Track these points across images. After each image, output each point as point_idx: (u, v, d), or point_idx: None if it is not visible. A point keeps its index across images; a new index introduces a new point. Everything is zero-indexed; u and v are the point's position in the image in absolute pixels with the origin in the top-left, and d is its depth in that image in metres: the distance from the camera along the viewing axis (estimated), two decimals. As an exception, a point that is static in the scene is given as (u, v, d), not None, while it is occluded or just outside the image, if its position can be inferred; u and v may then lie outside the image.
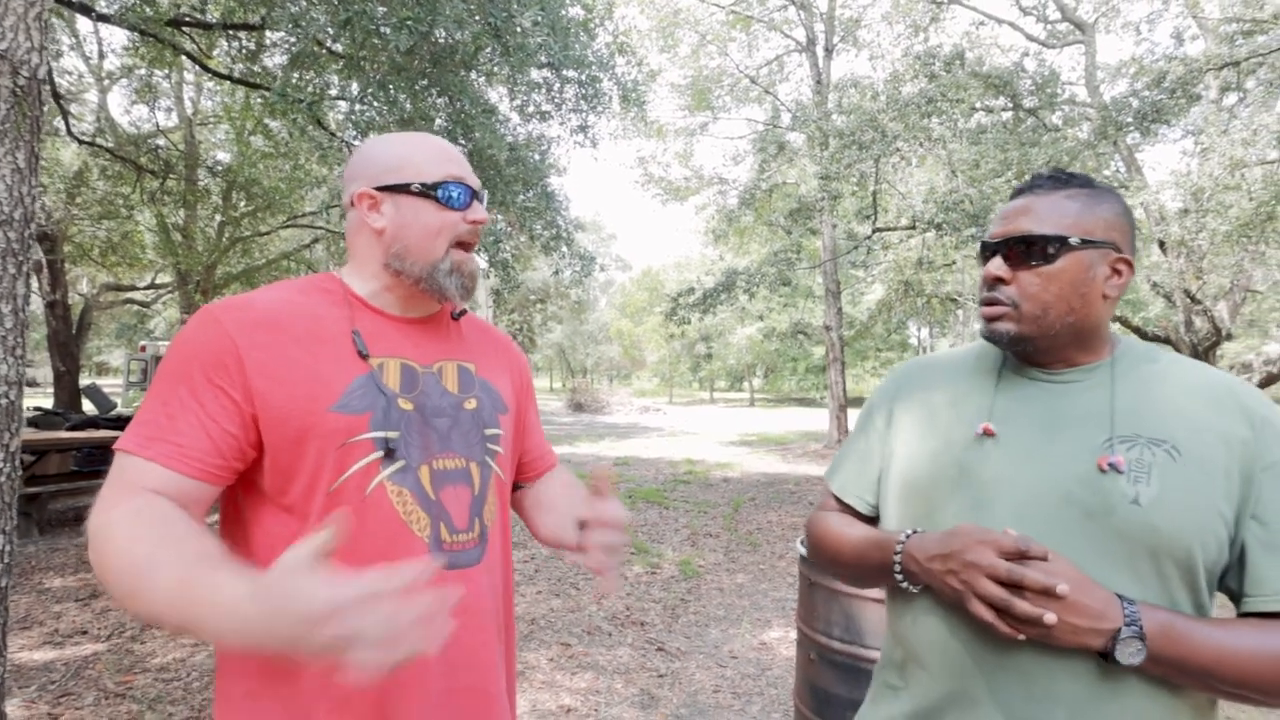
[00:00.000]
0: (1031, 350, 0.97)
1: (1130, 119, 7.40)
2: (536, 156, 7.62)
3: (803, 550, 2.48)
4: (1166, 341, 8.86)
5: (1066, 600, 0.79)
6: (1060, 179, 0.97)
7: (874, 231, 11.32)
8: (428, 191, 0.99)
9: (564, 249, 8.50)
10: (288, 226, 13.92)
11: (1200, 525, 0.83)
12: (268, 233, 14.04)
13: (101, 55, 11.41)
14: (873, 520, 1.14)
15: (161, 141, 11.49)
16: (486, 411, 1.07)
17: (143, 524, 0.79)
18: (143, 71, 9.66)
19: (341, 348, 0.96)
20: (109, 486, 0.84)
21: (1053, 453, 0.91)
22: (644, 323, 38.47)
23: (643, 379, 51.18)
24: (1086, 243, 0.92)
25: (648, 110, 8.84)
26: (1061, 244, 0.92)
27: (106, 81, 11.46)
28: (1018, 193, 1.00)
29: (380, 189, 0.99)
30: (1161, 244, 8.43)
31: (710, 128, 17.55)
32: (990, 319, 0.97)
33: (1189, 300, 8.52)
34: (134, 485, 0.83)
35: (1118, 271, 0.94)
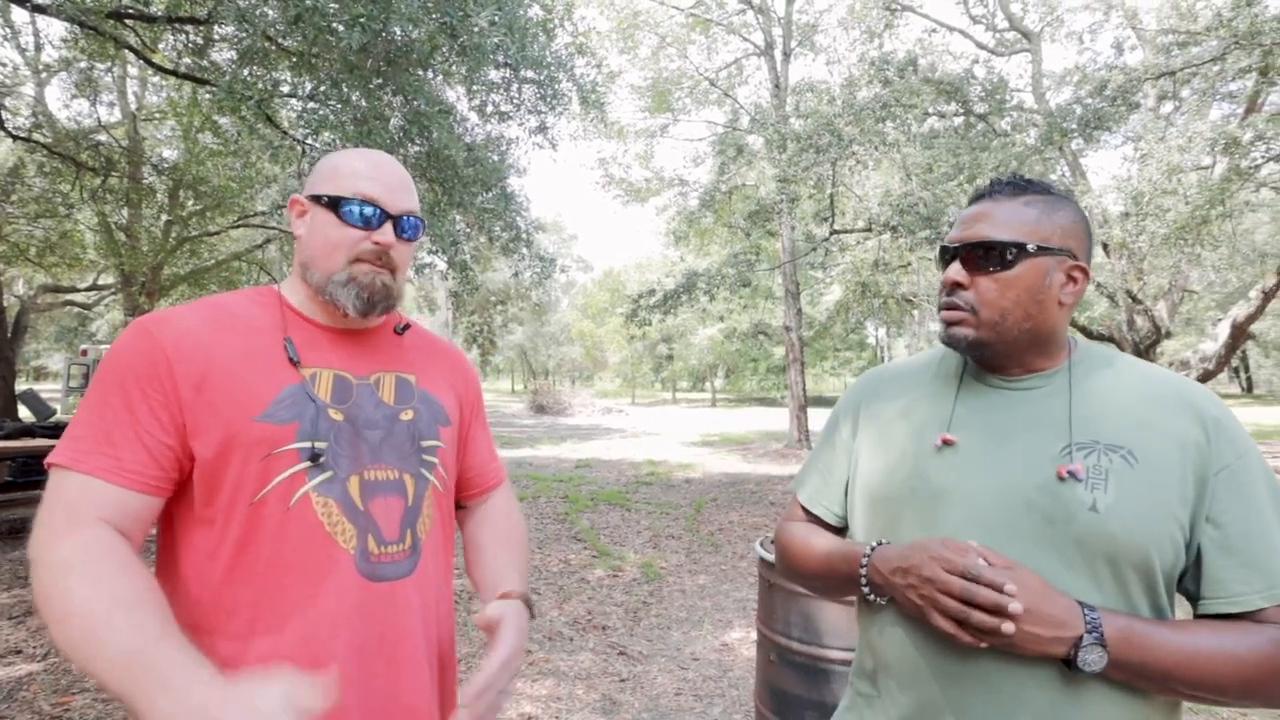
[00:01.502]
0: (989, 355, 0.98)
1: (1074, 125, 7.65)
2: (495, 157, 7.55)
3: (762, 552, 2.49)
4: (1110, 340, 9.19)
5: (1027, 610, 0.80)
6: (1019, 185, 0.98)
7: (831, 233, 11.50)
8: (334, 205, 0.99)
9: (524, 250, 8.43)
10: (238, 226, 13.55)
11: (1157, 531, 0.85)
12: (217, 233, 13.64)
13: (38, 47, 10.93)
14: (840, 530, 1.15)
15: (103, 137, 11.05)
16: (424, 423, 1.06)
17: (95, 570, 0.78)
18: (83, 65, 9.29)
19: (273, 357, 0.96)
20: (51, 507, 0.83)
21: (1012, 461, 0.92)
22: (606, 324, 38.42)
23: (605, 380, 51.11)
24: (1043, 249, 0.93)
25: (608, 111, 8.83)
26: (1019, 250, 0.93)
27: (44, 74, 10.99)
28: (976, 198, 1.01)
29: (308, 197, 1.02)
30: (1105, 246, 8.74)
31: (671, 129, 17.64)
32: (949, 323, 0.98)
33: (1131, 300, 8.85)
34: (78, 507, 0.83)
35: (1073, 279, 0.95)
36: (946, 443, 0.97)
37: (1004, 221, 0.95)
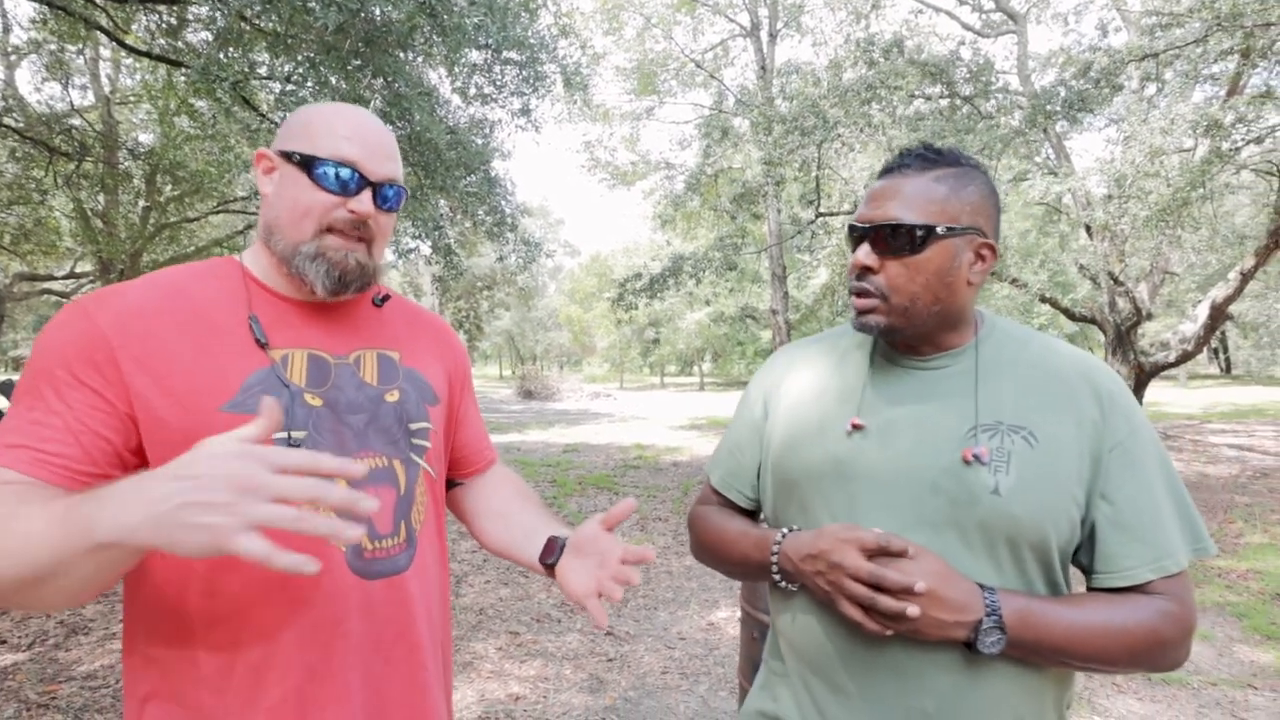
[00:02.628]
0: (900, 339, 0.98)
1: (1058, 108, 7.66)
2: (479, 140, 7.46)
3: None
4: (1092, 322, 9.27)
5: (930, 595, 0.82)
6: (928, 158, 0.95)
7: (817, 216, 11.49)
8: (306, 165, 0.88)
9: (509, 235, 8.35)
10: (219, 212, 13.35)
11: (1055, 510, 0.87)
12: (197, 219, 13.43)
13: (6, 29, 10.66)
14: (753, 513, 1.15)
15: (77, 121, 10.82)
16: (411, 403, 0.98)
17: None
18: (53, 47, 9.07)
19: (237, 337, 0.87)
20: None
21: (920, 444, 0.93)
22: (593, 308, 38.32)
23: (593, 365, 51.06)
24: (952, 230, 0.91)
25: (592, 94, 8.76)
26: (928, 233, 0.91)
27: (13, 57, 10.72)
28: (885, 171, 0.98)
29: (278, 152, 0.91)
30: (1088, 228, 8.80)
31: (656, 112, 17.54)
32: (861, 311, 0.96)
33: (1113, 282, 8.93)
34: None
35: (981, 257, 0.94)
36: (856, 427, 0.97)
37: (913, 200, 0.92)
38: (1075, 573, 0.96)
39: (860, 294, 0.96)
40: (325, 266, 0.90)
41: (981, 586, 0.85)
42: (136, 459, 0.82)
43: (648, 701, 3.11)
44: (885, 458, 0.94)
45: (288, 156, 0.89)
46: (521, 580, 4.75)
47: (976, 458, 0.89)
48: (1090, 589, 0.90)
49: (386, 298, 1.06)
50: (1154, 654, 0.84)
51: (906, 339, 0.98)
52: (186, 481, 0.61)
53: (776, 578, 0.98)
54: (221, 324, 0.87)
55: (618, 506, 0.95)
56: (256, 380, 0.85)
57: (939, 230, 0.91)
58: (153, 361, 0.81)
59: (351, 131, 0.90)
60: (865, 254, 0.94)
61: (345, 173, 0.89)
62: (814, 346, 1.14)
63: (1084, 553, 0.90)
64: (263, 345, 0.87)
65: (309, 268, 0.89)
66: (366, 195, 0.90)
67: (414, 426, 0.98)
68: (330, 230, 0.90)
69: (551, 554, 1.02)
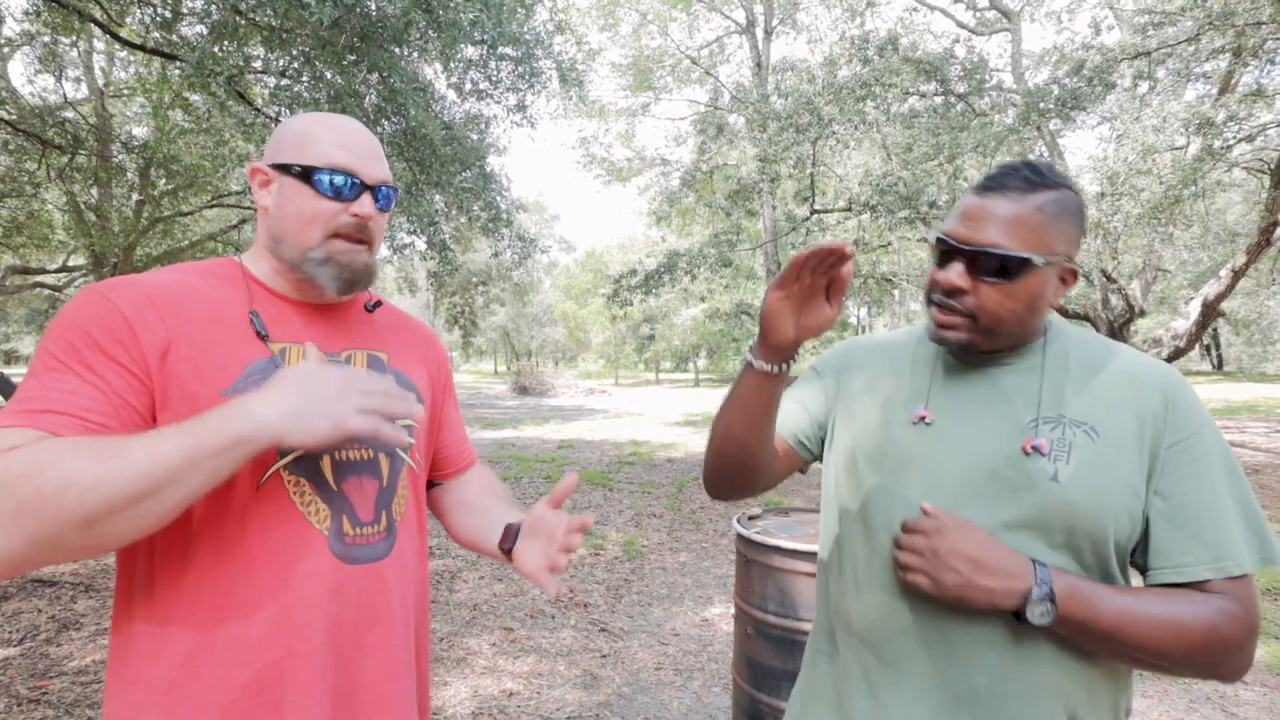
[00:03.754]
0: (974, 353, 0.98)
1: (1052, 105, 7.69)
2: (474, 136, 7.45)
3: (740, 528, 2.53)
4: (1085, 318, 9.32)
5: (979, 561, 0.83)
6: (1032, 180, 0.91)
7: (812, 213, 11.51)
8: (305, 176, 0.94)
9: (504, 231, 8.35)
10: (213, 206, 13.27)
11: (1113, 501, 0.87)
12: (191, 212, 13.34)
13: (0, 21, 10.59)
14: (804, 461, 1.16)
15: (70, 114, 10.75)
16: None
17: (44, 446, 0.70)
18: (47, 39, 9.00)
19: (239, 329, 0.92)
20: None
21: (983, 435, 0.94)
22: (588, 305, 38.27)
23: (588, 361, 51.01)
24: (1049, 262, 0.91)
25: (588, 90, 8.72)
26: (1026, 264, 0.89)
27: (6, 49, 10.64)
28: (987, 188, 0.94)
29: (273, 166, 0.96)
30: (1081, 226, 8.82)
31: (652, 108, 17.56)
32: (944, 326, 0.95)
33: (1106, 279, 8.97)
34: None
35: (1064, 280, 0.95)
36: (922, 419, 0.99)
37: (1014, 228, 0.90)
38: (1136, 578, 0.95)
39: (944, 309, 0.95)
40: (335, 269, 0.96)
41: (1033, 560, 0.85)
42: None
43: (641, 697, 3.12)
44: (947, 447, 0.96)
45: (285, 169, 0.95)
46: (515, 577, 4.76)
47: (1036, 449, 0.90)
48: (1147, 586, 0.90)
49: (378, 304, 1.12)
50: (1213, 653, 0.83)
51: (980, 352, 0.98)
52: (299, 386, 0.79)
53: (766, 367, 0.94)
54: (225, 316, 0.92)
55: (561, 483, 1.00)
56: (257, 368, 0.90)
57: (1038, 262, 0.90)
58: (165, 344, 0.85)
59: (341, 139, 0.96)
60: (959, 275, 0.93)
61: (342, 179, 0.95)
62: (882, 341, 1.15)
63: (1140, 550, 0.90)
64: (263, 337, 0.93)
65: (320, 271, 0.96)
66: (366, 198, 0.97)
67: (399, 423, 1.00)
68: (336, 235, 0.96)
69: (508, 540, 1.07)
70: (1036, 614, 0.82)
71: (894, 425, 1.01)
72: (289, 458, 0.90)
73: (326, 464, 0.93)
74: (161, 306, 0.87)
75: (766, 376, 0.94)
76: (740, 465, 1.04)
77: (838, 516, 1.07)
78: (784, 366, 0.94)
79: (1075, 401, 0.92)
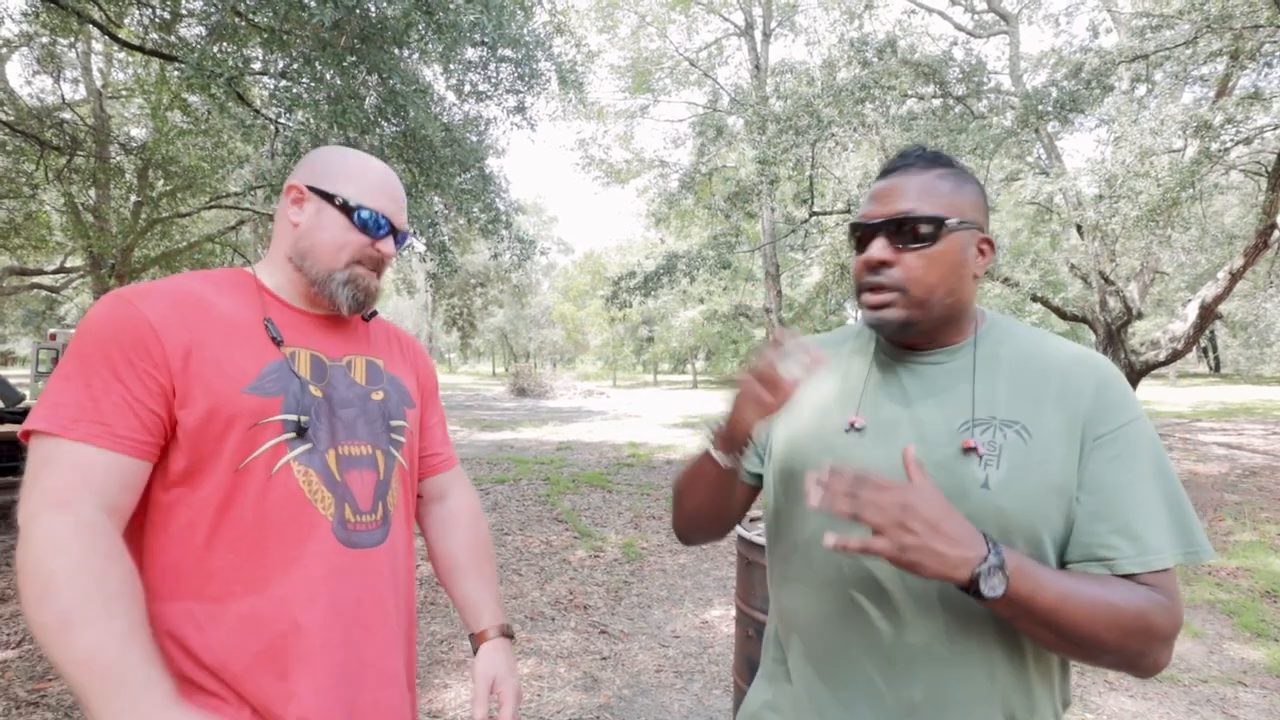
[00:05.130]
0: (914, 334, 0.97)
1: (1050, 108, 7.70)
2: (473, 137, 7.45)
3: (741, 530, 2.53)
4: (1083, 321, 9.33)
5: (933, 524, 0.78)
6: (928, 158, 0.97)
7: (811, 215, 11.52)
8: (348, 209, 1.06)
9: (503, 232, 8.34)
10: (211, 208, 13.27)
11: (1044, 502, 0.86)
12: (189, 214, 13.34)
13: (-3, 21, 10.57)
14: (753, 490, 1.17)
15: (68, 115, 10.75)
16: (393, 404, 1.14)
17: (79, 554, 0.80)
18: (45, 40, 9.00)
19: (255, 333, 1.01)
20: (43, 476, 0.84)
21: (914, 440, 0.93)
22: (587, 306, 38.27)
23: (586, 362, 50.98)
24: (962, 224, 0.93)
25: (587, 92, 8.72)
26: (940, 224, 0.92)
27: (4, 50, 10.63)
28: (888, 171, 0.99)
29: (311, 189, 1.07)
30: (1079, 228, 8.85)
31: (651, 110, 17.54)
32: (876, 306, 0.95)
33: (1103, 281, 8.98)
34: (72, 477, 0.84)
35: (983, 251, 0.97)
36: (854, 426, 0.99)
37: (922, 194, 0.93)
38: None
39: (874, 289, 0.96)
40: (353, 291, 1.09)
41: (983, 533, 0.82)
42: (172, 430, 0.94)
43: (642, 700, 3.12)
44: (881, 454, 0.95)
45: (329, 197, 1.06)
46: (515, 579, 4.76)
47: (972, 449, 0.89)
48: None
49: (374, 315, 1.24)
50: (1144, 640, 0.82)
51: (919, 335, 0.98)
52: None
53: (717, 456, 1.01)
54: (242, 322, 1.01)
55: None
56: (272, 369, 0.99)
57: (950, 223, 0.92)
58: (188, 347, 0.93)
59: (384, 186, 1.10)
60: (880, 248, 0.94)
61: (380, 220, 1.09)
62: (819, 343, 1.14)
63: (1068, 545, 0.89)
64: (278, 342, 1.02)
65: (340, 291, 1.07)
66: (391, 240, 1.11)
67: (394, 423, 1.13)
68: (359, 262, 1.08)
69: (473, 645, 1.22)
70: (991, 585, 0.78)
71: (828, 434, 1.01)
72: (299, 450, 0.98)
73: (332, 458, 1.01)
74: (184, 310, 0.96)
75: (729, 468, 1.02)
76: (712, 521, 1.15)
77: (776, 530, 1.09)
78: (741, 452, 1.01)
79: (1005, 399, 0.92)
